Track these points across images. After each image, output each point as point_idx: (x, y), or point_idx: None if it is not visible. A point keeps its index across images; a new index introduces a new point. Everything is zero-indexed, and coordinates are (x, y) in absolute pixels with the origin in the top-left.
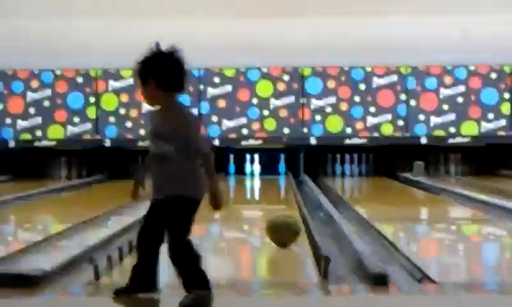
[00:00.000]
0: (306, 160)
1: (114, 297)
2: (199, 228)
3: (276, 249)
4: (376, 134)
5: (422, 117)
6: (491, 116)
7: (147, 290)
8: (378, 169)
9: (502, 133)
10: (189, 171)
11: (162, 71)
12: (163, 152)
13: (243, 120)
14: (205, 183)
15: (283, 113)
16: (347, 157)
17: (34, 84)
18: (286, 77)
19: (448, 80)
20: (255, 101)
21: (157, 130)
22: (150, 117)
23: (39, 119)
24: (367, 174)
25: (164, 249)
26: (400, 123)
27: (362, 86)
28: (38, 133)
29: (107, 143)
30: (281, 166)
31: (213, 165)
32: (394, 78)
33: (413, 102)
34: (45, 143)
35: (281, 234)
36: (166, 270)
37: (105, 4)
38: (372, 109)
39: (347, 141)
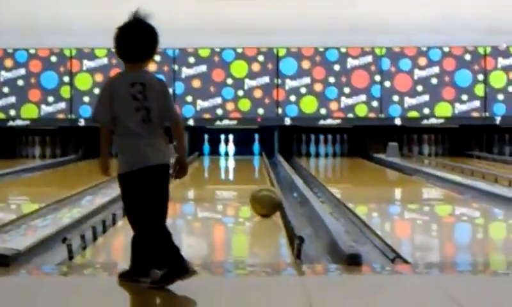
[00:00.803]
0: (280, 140)
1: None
2: (172, 209)
3: (249, 230)
4: (350, 115)
5: (396, 98)
6: (464, 97)
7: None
8: (352, 149)
9: (475, 114)
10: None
11: (118, 41)
12: None
13: (218, 100)
14: (134, 154)
15: (258, 93)
16: (321, 137)
17: (8, 63)
18: (261, 58)
19: (422, 61)
20: (229, 81)
21: None
22: None
23: (13, 99)
24: (341, 154)
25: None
26: (375, 104)
27: (337, 67)
28: (12, 112)
29: (82, 123)
30: (256, 146)
31: (101, 136)
32: (369, 59)
33: (387, 83)
34: (19, 123)
35: (264, 206)
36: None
37: None
38: (347, 90)
39: (322, 122)
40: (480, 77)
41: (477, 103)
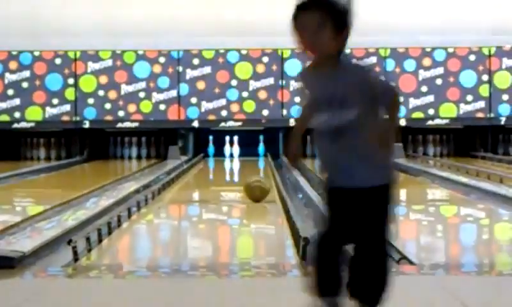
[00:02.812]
0: (285, 141)
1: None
2: (178, 210)
3: (254, 231)
4: None
5: (400, 99)
6: (469, 97)
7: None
8: None
9: (480, 115)
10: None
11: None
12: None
13: (222, 102)
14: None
15: (263, 95)
16: None
17: (13, 65)
18: (265, 59)
19: (427, 62)
20: (234, 83)
21: (333, 93)
22: (309, 79)
23: (17, 101)
24: None
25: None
26: None
27: None
28: (17, 114)
29: (86, 125)
30: (261, 148)
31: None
32: (373, 60)
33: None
34: (23, 125)
35: (255, 193)
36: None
37: None
38: None
39: None
40: (485, 77)
41: (481, 104)
